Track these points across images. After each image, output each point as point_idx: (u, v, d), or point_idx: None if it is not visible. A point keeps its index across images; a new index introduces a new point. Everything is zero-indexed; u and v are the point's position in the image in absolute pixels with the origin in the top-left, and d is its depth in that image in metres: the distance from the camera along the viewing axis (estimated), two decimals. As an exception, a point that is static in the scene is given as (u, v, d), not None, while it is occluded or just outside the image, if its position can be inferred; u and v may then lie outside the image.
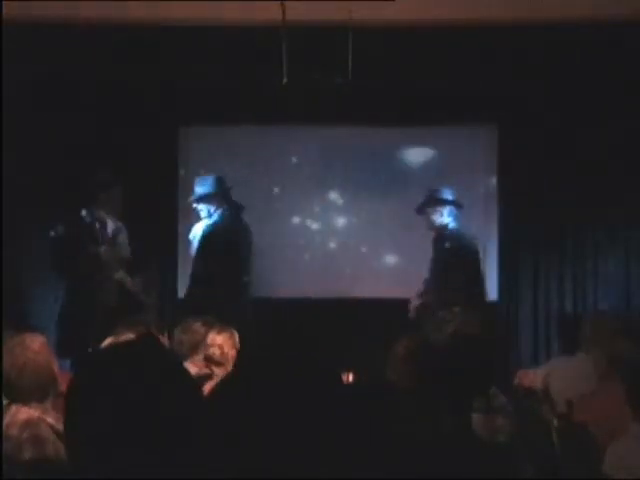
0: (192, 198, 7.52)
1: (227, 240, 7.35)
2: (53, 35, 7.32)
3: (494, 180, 8.46)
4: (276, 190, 8.60)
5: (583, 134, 8.08)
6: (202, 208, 7.46)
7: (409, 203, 8.41)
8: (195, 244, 7.44)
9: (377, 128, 8.40)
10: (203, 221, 7.46)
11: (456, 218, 7.44)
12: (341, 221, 8.64)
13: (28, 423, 3.31)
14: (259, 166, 8.60)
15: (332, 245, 8.62)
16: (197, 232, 7.48)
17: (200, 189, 7.46)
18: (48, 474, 3.02)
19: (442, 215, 7.40)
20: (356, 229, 8.58)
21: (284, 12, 6.23)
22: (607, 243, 8.19)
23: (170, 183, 8.44)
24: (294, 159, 8.60)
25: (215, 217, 7.40)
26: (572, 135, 8.10)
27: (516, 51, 7.53)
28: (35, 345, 3.47)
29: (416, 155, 8.53)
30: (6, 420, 3.37)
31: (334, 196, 8.63)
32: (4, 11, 6.60)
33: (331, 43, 6.73)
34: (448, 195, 7.51)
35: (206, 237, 7.33)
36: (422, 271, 8.10)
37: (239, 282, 7.40)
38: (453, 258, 7.34)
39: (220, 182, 7.48)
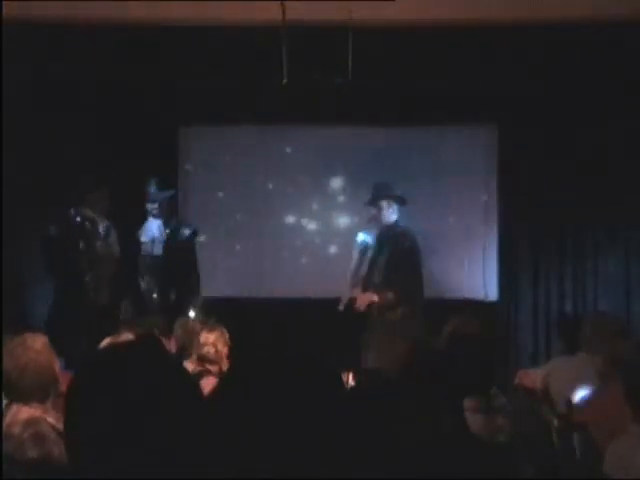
0: (150, 198, 7.57)
1: (187, 243, 7.61)
2: (53, 35, 7.32)
3: (494, 180, 8.46)
4: (276, 190, 8.61)
5: (583, 134, 8.07)
6: (155, 208, 7.53)
7: (409, 203, 8.40)
8: (157, 245, 7.52)
9: (377, 128, 8.40)
10: (153, 221, 7.52)
11: (401, 216, 7.38)
12: (341, 221, 8.64)
13: (29, 422, 3.32)
14: (259, 166, 8.61)
15: (332, 245, 8.63)
16: (152, 232, 7.53)
17: (155, 190, 7.56)
18: (50, 473, 3.02)
19: (394, 212, 7.26)
20: (357, 229, 8.57)
21: (284, 12, 6.23)
22: (607, 243, 8.19)
23: (170, 183, 8.44)
24: (294, 159, 8.60)
25: (174, 221, 7.63)
26: (572, 135, 8.10)
27: (516, 51, 7.52)
28: (37, 345, 3.48)
29: (416, 155, 8.52)
30: (7, 419, 3.37)
31: (334, 196, 8.63)
32: (4, 11, 6.60)
33: (331, 43, 6.72)
34: (398, 191, 7.42)
35: (174, 241, 7.49)
36: (422, 271, 8.08)
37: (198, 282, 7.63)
38: (405, 256, 7.24)
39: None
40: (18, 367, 3.42)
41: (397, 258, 7.18)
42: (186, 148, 8.58)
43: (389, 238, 7.24)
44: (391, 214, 7.26)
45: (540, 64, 7.62)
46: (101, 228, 7.29)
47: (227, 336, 5.34)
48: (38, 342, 3.50)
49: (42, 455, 3.18)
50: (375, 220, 7.32)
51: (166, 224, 7.52)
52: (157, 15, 7.01)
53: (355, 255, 7.44)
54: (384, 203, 7.25)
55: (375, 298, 7.07)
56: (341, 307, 7.20)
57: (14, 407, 3.41)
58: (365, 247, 7.38)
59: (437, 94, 7.98)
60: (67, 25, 7.16)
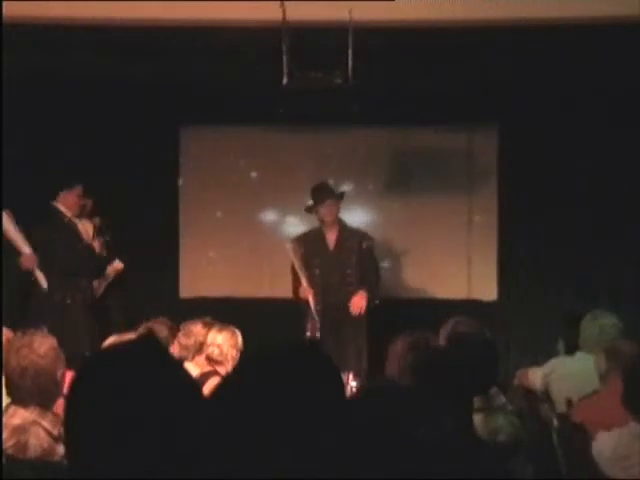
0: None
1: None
2: (53, 35, 7.32)
3: (494, 180, 8.46)
4: (275, 189, 8.61)
5: (583, 133, 8.08)
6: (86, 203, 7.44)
7: (408, 204, 8.41)
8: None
9: (377, 128, 8.40)
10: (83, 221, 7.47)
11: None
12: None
13: (17, 430, 3.31)
14: (259, 166, 8.62)
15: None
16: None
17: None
18: (50, 472, 3.03)
19: (338, 210, 7.23)
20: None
21: (284, 12, 6.23)
22: (607, 242, 8.19)
23: (170, 183, 8.46)
24: (294, 159, 8.61)
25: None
26: (572, 134, 8.10)
27: (516, 51, 7.52)
28: (42, 349, 3.46)
29: (416, 155, 8.52)
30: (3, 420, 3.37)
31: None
32: (4, 11, 6.60)
33: (331, 43, 6.72)
34: (338, 190, 7.42)
35: None
36: (422, 271, 8.11)
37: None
38: (371, 255, 7.24)
39: None
40: (20, 368, 3.42)
41: (365, 257, 7.19)
42: (186, 148, 8.59)
43: (349, 238, 7.22)
44: (337, 213, 7.24)
45: (540, 64, 7.62)
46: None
47: (239, 339, 5.32)
48: (45, 345, 3.48)
49: (18, 461, 3.18)
50: (329, 220, 7.22)
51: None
52: (157, 15, 7.01)
53: (315, 260, 7.20)
54: (332, 202, 7.19)
55: (365, 299, 7.09)
56: (315, 316, 7.08)
57: (11, 409, 3.42)
58: (316, 249, 7.25)
59: (437, 94, 7.98)
60: (67, 25, 7.15)
